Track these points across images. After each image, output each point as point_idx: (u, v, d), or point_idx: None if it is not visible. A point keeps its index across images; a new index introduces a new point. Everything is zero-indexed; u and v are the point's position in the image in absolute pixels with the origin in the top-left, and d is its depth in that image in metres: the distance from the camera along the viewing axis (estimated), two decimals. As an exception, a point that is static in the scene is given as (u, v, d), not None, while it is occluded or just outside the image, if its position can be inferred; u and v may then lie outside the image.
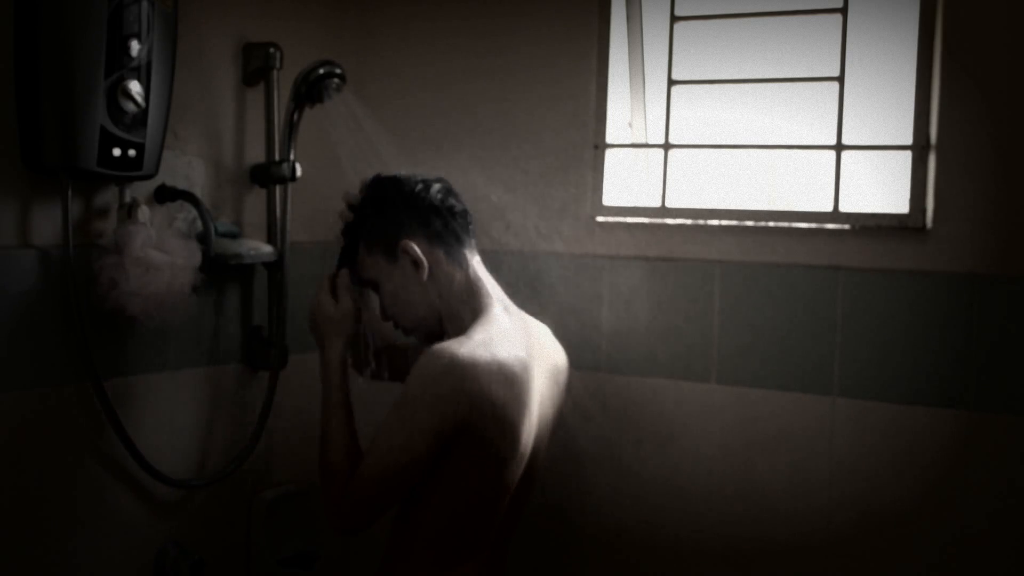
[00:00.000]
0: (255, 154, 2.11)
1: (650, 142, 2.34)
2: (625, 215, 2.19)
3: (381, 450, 1.56)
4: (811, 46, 2.11)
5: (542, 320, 1.87)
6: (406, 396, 1.55)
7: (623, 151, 2.28)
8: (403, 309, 1.72)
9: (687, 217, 2.12)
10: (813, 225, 2.03)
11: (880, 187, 2.11)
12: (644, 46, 2.31)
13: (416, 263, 1.66)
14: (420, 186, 1.69)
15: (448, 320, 1.70)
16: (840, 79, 2.01)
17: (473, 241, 1.74)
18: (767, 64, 2.15)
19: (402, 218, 1.68)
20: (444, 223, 1.68)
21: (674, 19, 2.16)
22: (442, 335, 1.70)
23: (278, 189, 2.10)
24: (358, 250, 1.74)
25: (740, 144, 2.18)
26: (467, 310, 1.67)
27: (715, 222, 2.10)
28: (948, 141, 1.90)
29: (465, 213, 1.73)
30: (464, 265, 1.69)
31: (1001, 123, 1.87)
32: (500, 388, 1.55)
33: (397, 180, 1.71)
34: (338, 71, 2.02)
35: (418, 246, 1.66)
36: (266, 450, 2.14)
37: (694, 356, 2.10)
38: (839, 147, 2.03)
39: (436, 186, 1.70)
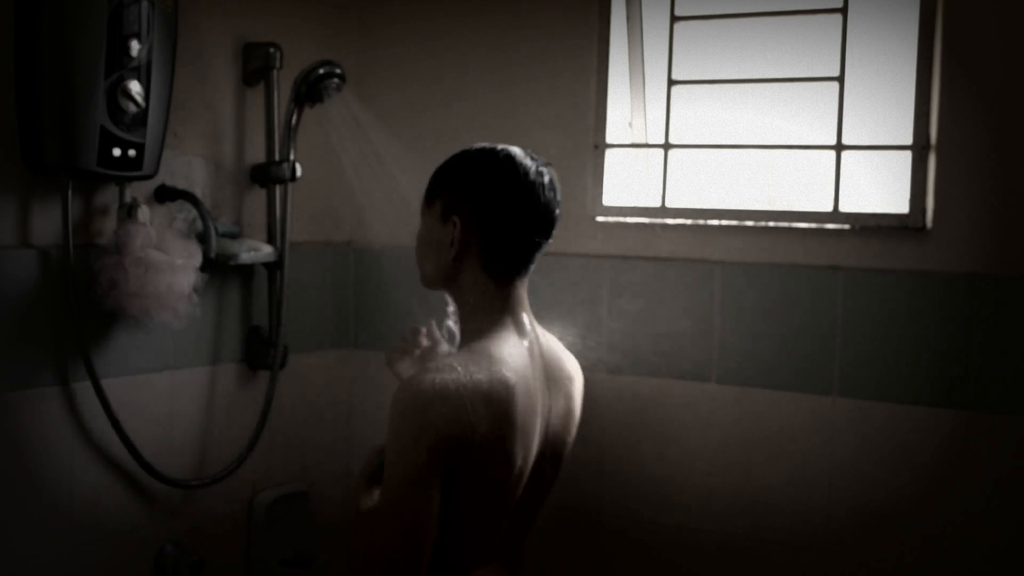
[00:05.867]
0: (255, 154, 2.11)
1: (650, 142, 2.34)
2: (625, 215, 2.19)
3: (390, 484, 1.48)
4: (811, 46, 2.11)
5: (544, 323, 1.86)
6: (390, 433, 1.49)
7: (623, 151, 2.28)
8: (421, 258, 1.65)
9: (687, 217, 2.12)
10: (813, 225, 2.03)
11: (880, 187, 2.11)
12: (644, 46, 2.31)
13: (451, 241, 1.58)
14: (519, 188, 1.57)
15: (465, 318, 1.63)
16: (840, 79, 2.01)
17: (532, 258, 1.62)
18: (767, 64, 2.15)
19: (474, 200, 1.58)
20: (506, 232, 1.58)
21: (674, 19, 2.16)
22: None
23: (278, 189, 2.10)
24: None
25: (740, 144, 2.18)
26: (484, 315, 1.60)
27: (715, 222, 2.10)
28: (948, 141, 1.90)
29: (540, 230, 1.60)
30: (495, 272, 1.60)
31: (1001, 123, 1.87)
32: (478, 411, 1.48)
33: (508, 171, 1.58)
34: (338, 71, 2.02)
35: (463, 229, 1.57)
36: (266, 450, 2.13)
37: (694, 356, 2.10)
38: (839, 147, 2.03)
39: (535, 201, 1.58)
